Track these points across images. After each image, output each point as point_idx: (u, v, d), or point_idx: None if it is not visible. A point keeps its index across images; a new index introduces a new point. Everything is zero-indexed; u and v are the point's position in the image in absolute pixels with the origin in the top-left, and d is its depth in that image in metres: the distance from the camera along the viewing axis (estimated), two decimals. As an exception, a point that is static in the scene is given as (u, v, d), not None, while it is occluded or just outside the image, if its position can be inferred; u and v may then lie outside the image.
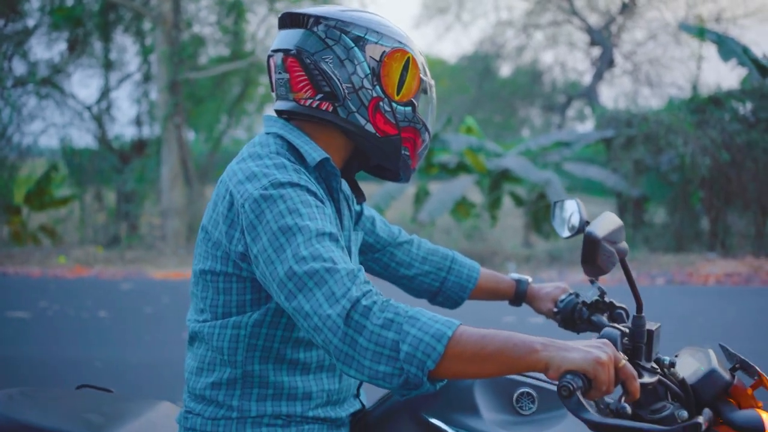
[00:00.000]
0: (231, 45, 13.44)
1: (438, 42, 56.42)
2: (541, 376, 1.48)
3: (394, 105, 1.40)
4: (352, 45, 1.38)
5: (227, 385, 1.40)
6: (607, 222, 1.32)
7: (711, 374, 1.31)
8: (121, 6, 12.27)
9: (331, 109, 1.39)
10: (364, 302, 1.18)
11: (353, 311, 1.17)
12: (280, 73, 1.43)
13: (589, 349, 1.11)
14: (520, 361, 1.13)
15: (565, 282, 8.33)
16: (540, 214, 11.59)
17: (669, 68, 19.29)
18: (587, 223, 1.60)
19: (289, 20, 1.44)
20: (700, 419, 1.17)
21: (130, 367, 4.78)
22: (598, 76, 17.99)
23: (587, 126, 14.75)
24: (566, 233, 1.63)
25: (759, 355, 2.25)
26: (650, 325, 1.37)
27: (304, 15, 1.41)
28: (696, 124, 10.43)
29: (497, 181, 11.62)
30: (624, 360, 1.13)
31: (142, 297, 7.42)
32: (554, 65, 20.79)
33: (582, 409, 1.08)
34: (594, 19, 18.61)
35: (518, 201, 12.08)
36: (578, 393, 1.08)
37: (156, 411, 1.72)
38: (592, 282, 1.66)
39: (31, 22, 13.11)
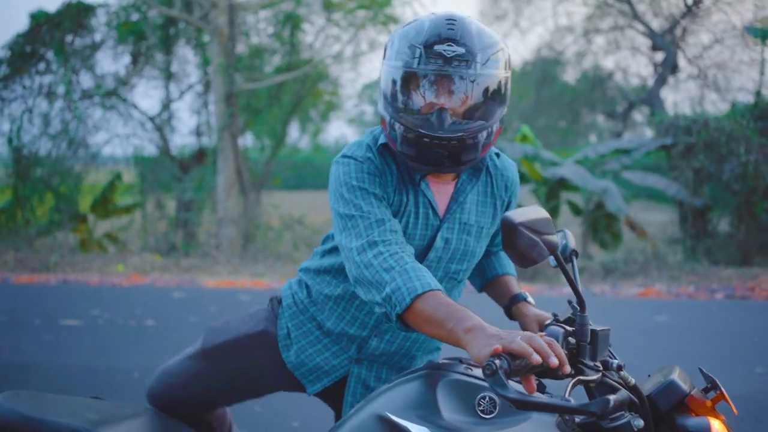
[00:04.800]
0: (287, 55, 13.63)
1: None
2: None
3: None
4: None
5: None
6: (529, 211, 1.37)
7: (669, 385, 1.41)
8: (181, 20, 12.58)
9: None
10: (380, 246, 1.50)
11: (369, 249, 1.51)
12: None
13: (489, 341, 1.26)
14: (450, 336, 1.36)
15: (621, 292, 8.12)
16: (598, 223, 11.35)
17: (738, 72, 18.66)
18: (574, 251, 1.69)
19: None
20: (611, 397, 1.25)
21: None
22: (660, 82, 17.52)
23: (650, 133, 14.39)
24: (554, 261, 1.66)
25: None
26: (597, 327, 1.43)
27: None
28: (760, 131, 10.03)
29: (554, 190, 11.44)
30: (518, 344, 1.22)
31: (190, 306, 7.56)
32: (616, 70, 20.36)
33: (502, 386, 1.19)
34: (657, 23, 18.16)
35: (576, 210, 11.86)
36: (500, 372, 1.19)
37: (152, 419, 1.89)
38: (569, 302, 1.65)
39: (97, 37, 13.59)
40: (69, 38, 13.04)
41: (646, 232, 11.11)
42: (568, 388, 1.28)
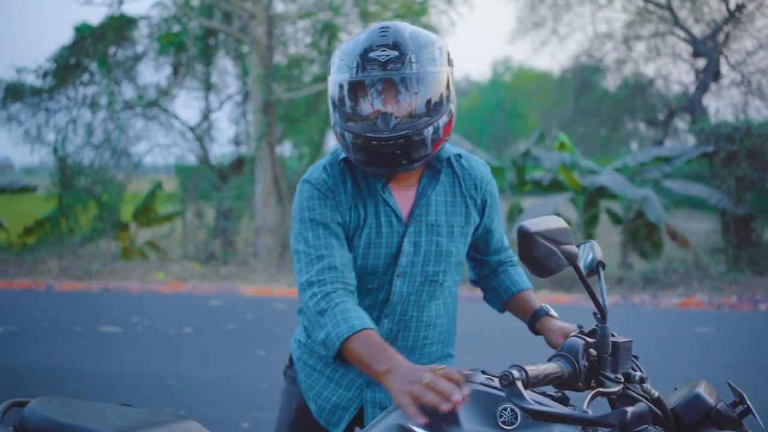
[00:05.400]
0: (325, 65, 13.73)
1: (533, 56, 55.71)
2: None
3: None
4: None
5: None
6: (546, 221, 1.36)
7: (694, 398, 1.40)
8: (221, 31, 12.76)
9: None
10: (315, 287, 1.60)
11: (307, 289, 1.62)
12: None
13: (403, 387, 1.33)
14: (376, 378, 1.45)
15: (661, 303, 7.98)
16: (638, 232, 11.18)
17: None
18: (600, 262, 1.69)
19: None
20: (629, 409, 1.23)
21: (201, 384, 4.92)
22: (702, 88, 17.20)
23: (692, 140, 14.12)
24: (582, 272, 1.64)
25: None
26: (619, 339, 1.42)
27: None
28: (805, 139, 9.79)
29: (593, 198, 11.31)
30: (429, 398, 1.29)
31: (228, 313, 7.63)
32: (657, 77, 20.04)
33: (519, 397, 1.21)
34: (699, 29, 17.84)
35: (615, 219, 11.70)
36: (518, 383, 1.22)
37: (182, 427, 1.84)
38: (594, 314, 1.62)
39: (139, 49, 13.86)
40: (112, 50, 13.32)
41: (688, 242, 10.91)
42: (587, 400, 1.26)
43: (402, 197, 1.74)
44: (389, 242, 1.72)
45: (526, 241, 1.32)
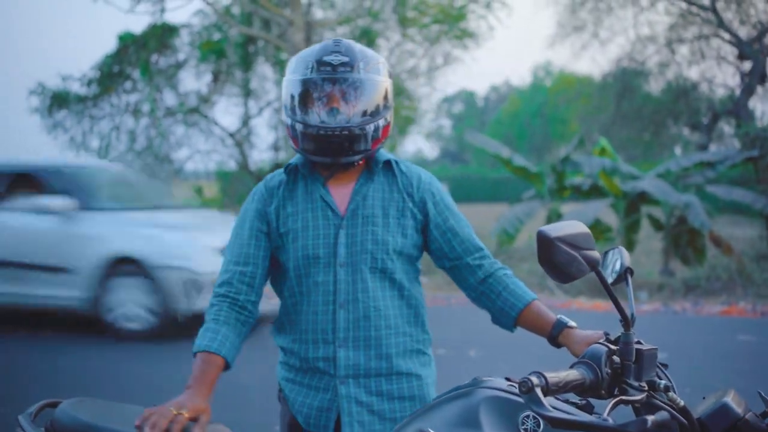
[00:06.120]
0: (363, 71, 13.78)
1: (574, 61, 55.14)
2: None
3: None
4: None
5: None
6: (566, 225, 1.34)
7: (721, 408, 1.36)
8: (260, 38, 12.91)
9: None
10: (212, 297, 1.89)
11: (212, 296, 1.91)
12: None
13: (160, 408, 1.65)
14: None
15: (703, 310, 7.83)
16: (681, 239, 10.98)
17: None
18: (629, 269, 1.65)
19: None
20: (649, 418, 1.23)
21: (239, 388, 4.95)
22: (748, 92, 16.82)
23: (737, 144, 13.82)
24: (610, 279, 1.63)
25: None
26: (644, 346, 1.39)
27: None
28: None
29: (634, 204, 11.14)
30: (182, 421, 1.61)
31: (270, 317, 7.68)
32: (701, 81, 19.61)
33: (538, 404, 1.19)
34: (744, 31, 17.46)
35: (657, 225, 11.51)
36: (537, 389, 1.20)
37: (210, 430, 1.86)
38: (621, 320, 1.60)
39: (181, 56, 14.09)
40: (154, 58, 13.57)
41: (732, 248, 10.68)
42: (608, 408, 1.24)
43: (339, 194, 1.92)
44: (326, 233, 1.89)
45: (546, 246, 1.30)
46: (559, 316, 1.86)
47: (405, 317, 1.93)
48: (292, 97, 1.85)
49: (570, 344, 1.79)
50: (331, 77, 1.81)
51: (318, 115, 1.82)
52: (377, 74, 1.85)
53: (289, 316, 1.94)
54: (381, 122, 1.86)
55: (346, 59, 1.82)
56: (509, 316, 1.92)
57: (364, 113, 1.83)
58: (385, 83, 1.87)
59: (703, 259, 10.67)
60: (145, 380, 5.15)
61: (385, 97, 1.87)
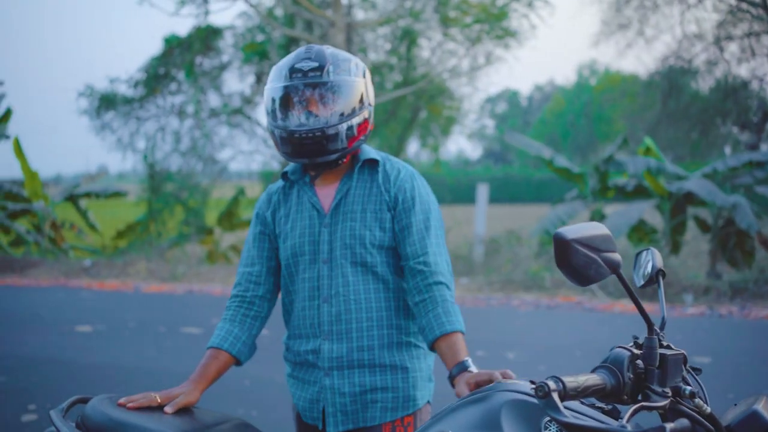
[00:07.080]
0: (404, 71, 13.78)
1: (619, 59, 54.25)
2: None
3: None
4: None
5: None
6: (585, 227, 1.32)
7: (751, 415, 1.34)
8: (302, 39, 13.00)
9: None
10: (230, 297, 2.07)
11: (228, 299, 2.09)
12: None
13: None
14: None
15: (750, 314, 7.62)
16: (728, 240, 10.73)
17: None
18: (660, 271, 1.62)
19: None
20: (668, 425, 1.22)
21: (276, 386, 5.00)
22: (800, 90, 16.39)
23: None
24: (641, 281, 1.62)
25: None
26: (668, 351, 1.36)
27: None
28: None
29: (680, 204, 10.92)
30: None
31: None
32: (751, 79, 19.13)
33: (555, 409, 1.19)
34: (796, 28, 17.00)
35: (703, 226, 11.26)
36: (554, 394, 1.19)
37: (232, 425, 1.90)
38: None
39: (224, 58, 14.27)
40: (198, 60, 13.77)
41: (782, 250, 10.40)
42: (628, 414, 1.22)
43: (325, 194, 2.04)
44: (312, 231, 2.01)
45: (563, 248, 1.28)
46: (465, 359, 1.81)
47: (392, 310, 1.99)
48: (273, 101, 1.95)
49: (456, 384, 1.75)
50: (303, 82, 1.91)
51: (293, 119, 1.93)
52: (348, 75, 1.94)
53: (288, 314, 2.08)
54: (356, 120, 1.95)
55: (315, 64, 1.92)
56: (427, 338, 1.91)
57: (341, 114, 1.92)
58: (358, 83, 1.96)
59: (751, 262, 10.40)
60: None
61: (361, 95, 1.96)
